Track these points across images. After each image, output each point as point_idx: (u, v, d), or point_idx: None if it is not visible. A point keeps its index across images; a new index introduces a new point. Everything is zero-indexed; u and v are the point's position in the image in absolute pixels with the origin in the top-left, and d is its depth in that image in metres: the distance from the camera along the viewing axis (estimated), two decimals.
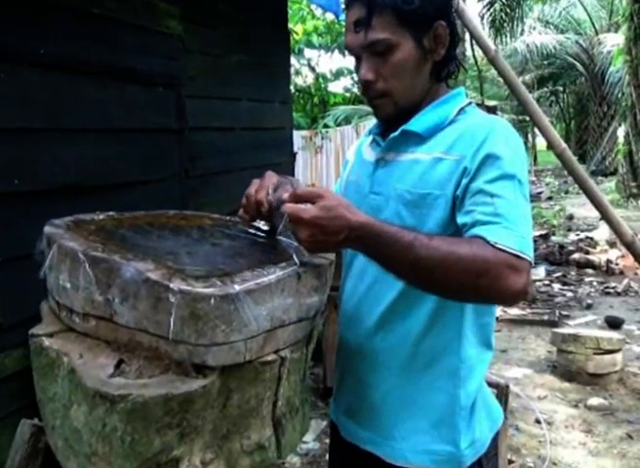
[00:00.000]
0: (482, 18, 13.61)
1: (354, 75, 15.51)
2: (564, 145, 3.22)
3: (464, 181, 1.11)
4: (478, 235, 1.04)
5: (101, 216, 1.26)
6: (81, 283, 0.96)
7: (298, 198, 0.99)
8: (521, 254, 1.03)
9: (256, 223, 1.20)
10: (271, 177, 1.13)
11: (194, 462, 0.94)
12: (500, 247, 1.02)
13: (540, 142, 25.80)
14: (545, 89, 20.94)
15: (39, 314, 1.13)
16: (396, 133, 1.22)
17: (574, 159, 3.27)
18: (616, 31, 16.79)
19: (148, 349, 0.92)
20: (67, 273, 0.98)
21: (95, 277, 0.94)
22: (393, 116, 1.24)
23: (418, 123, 1.21)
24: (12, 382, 1.86)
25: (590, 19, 18.12)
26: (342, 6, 2.15)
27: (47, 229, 1.09)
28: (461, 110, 1.23)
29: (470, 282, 1.00)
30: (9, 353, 1.85)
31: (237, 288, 0.89)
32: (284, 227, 1.00)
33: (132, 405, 0.86)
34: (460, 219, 1.10)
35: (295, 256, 1.01)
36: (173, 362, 0.91)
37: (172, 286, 0.86)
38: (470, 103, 1.26)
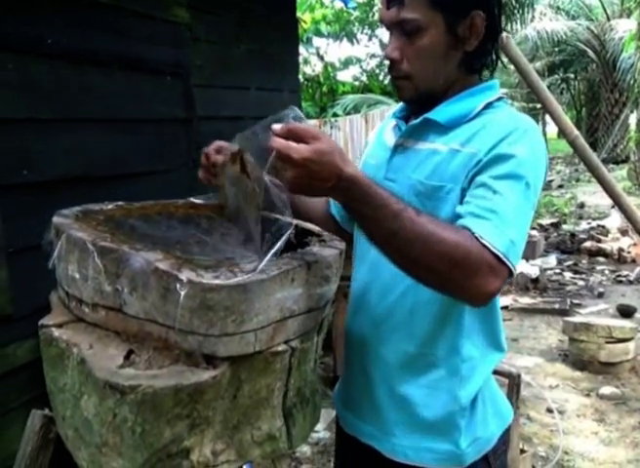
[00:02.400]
0: None
1: (363, 64, 15.46)
2: (576, 132, 3.17)
3: (471, 174, 1.09)
4: (466, 226, 1.00)
5: (110, 206, 1.25)
6: (90, 273, 0.95)
7: (290, 134, 0.89)
8: (504, 259, 0.98)
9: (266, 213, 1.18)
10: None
11: (205, 453, 0.94)
12: (485, 243, 0.97)
13: (551, 130, 25.57)
14: (556, 76, 20.69)
15: (49, 305, 1.13)
16: (417, 120, 1.19)
17: (586, 146, 3.22)
18: (628, 17, 16.56)
19: (158, 340, 0.91)
20: (76, 263, 0.98)
21: (103, 267, 0.93)
22: (414, 99, 1.21)
23: (441, 113, 1.17)
24: (22, 373, 1.87)
25: (602, 4, 17.87)
26: None
27: (55, 219, 1.08)
28: (489, 105, 1.18)
29: (444, 268, 0.95)
30: (19, 344, 1.85)
31: (247, 278, 0.88)
32: (271, 165, 0.90)
33: (142, 395, 0.85)
34: (457, 209, 1.07)
35: (286, 212, 0.93)
36: (183, 352, 0.90)
37: (181, 276, 0.86)
38: (501, 98, 1.20)
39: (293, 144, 0.88)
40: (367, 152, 1.37)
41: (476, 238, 0.98)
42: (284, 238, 0.93)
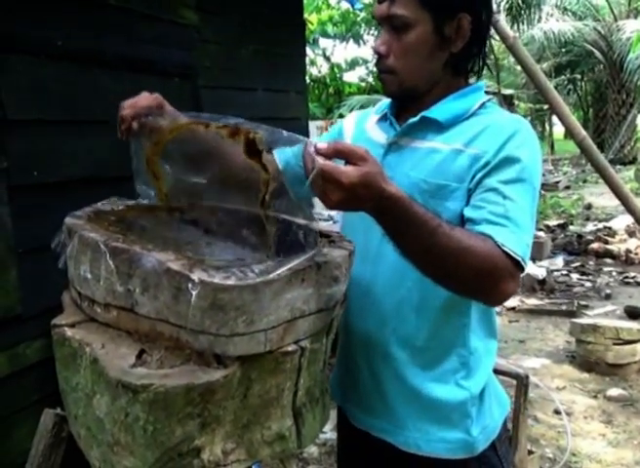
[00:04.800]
0: (499, 5, 13.42)
1: (369, 65, 15.46)
2: (584, 133, 3.17)
3: (479, 176, 1.11)
4: (486, 234, 1.04)
5: (121, 207, 1.26)
6: (102, 273, 0.96)
7: (337, 154, 0.89)
8: (522, 262, 1.03)
9: (275, 213, 1.19)
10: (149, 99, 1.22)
11: (215, 452, 0.95)
12: (507, 250, 1.02)
13: (557, 131, 25.50)
14: (563, 77, 20.60)
15: (58, 305, 1.14)
16: (415, 119, 1.20)
17: (594, 147, 3.22)
18: (635, 17, 16.50)
19: (169, 339, 0.92)
20: (88, 264, 0.99)
21: (116, 267, 0.94)
22: (397, 94, 1.23)
23: (439, 111, 1.19)
24: (32, 373, 1.88)
25: (609, 4, 17.76)
26: None
27: (68, 220, 1.10)
28: (483, 105, 1.21)
29: (476, 279, 1.01)
30: (29, 344, 1.86)
31: (257, 278, 0.88)
32: (311, 181, 0.88)
33: (153, 395, 0.86)
34: (468, 213, 1.10)
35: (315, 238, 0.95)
36: (194, 352, 0.91)
37: (192, 276, 0.86)
38: (490, 99, 1.24)
39: (342, 168, 0.87)
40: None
41: (498, 246, 1.02)
42: (307, 256, 0.95)
